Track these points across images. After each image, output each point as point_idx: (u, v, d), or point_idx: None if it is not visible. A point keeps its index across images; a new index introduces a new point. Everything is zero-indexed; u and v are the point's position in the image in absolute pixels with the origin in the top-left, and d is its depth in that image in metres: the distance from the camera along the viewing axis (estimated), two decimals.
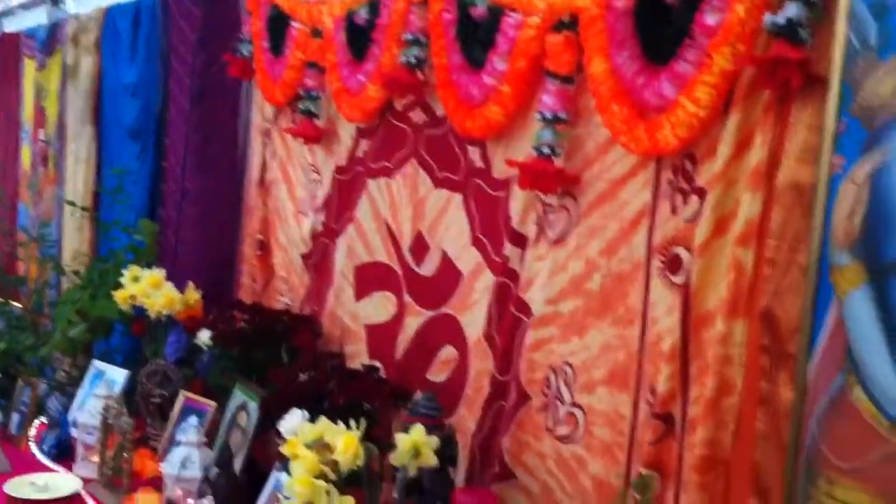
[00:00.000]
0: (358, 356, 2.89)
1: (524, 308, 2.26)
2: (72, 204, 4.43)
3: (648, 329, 1.94)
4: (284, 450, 1.87)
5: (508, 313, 2.31)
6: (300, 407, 2.26)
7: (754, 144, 1.67)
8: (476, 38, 2.28)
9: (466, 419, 2.43)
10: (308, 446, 1.83)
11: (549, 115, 2.08)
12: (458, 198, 2.50)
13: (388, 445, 2.12)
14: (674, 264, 1.87)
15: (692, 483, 1.76)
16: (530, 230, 2.25)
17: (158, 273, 3.35)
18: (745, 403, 1.71)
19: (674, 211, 1.88)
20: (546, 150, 2.09)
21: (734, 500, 1.73)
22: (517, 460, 2.27)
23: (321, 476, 1.79)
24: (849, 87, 1.50)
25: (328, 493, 1.76)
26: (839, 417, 1.52)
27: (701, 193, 1.80)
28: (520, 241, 2.28)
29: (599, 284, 2.05)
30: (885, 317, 1.44)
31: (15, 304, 4.60)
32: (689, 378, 1.81)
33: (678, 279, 1.85)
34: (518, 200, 2.28)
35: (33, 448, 3.15)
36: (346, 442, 1.82)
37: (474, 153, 2.43)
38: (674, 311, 1.84)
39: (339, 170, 3.01)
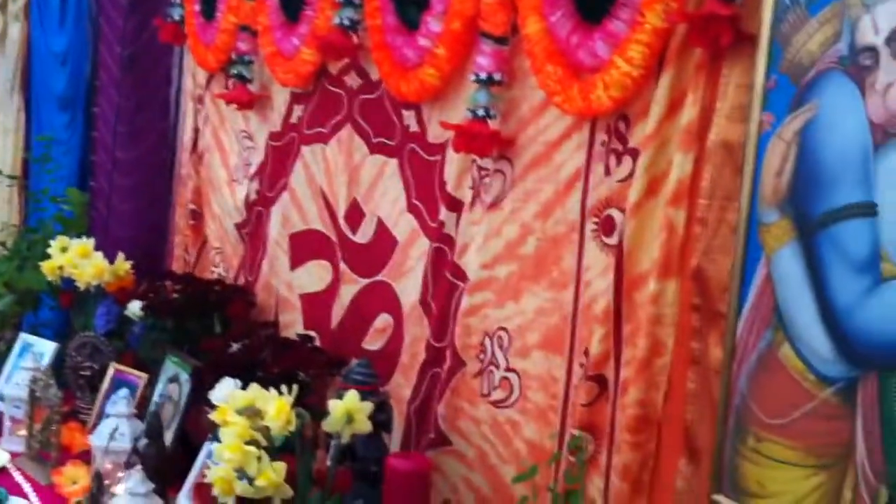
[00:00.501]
0: (293, 326, 2.85)
1: (459, 274, 2.24)
2: None
3: (582, 292, 1.93)
4: (214, 417, 1.83)
5: (444, 279, 2.29)
6: (233, 377, 2.22)
7: (686, 104, 1.67)
8: None
9: (402, 386, 2.41)
10: (239, 413, 1.79)
11: (484, 77, 2.06)
12: (393, 163, 2.47)
13: (322, 414, 2.09)
14: (607, 226, 1.87)
15: (625, 443, 1.76)
16: (466, 195, 2.23)
17: (87, 243, 3.26)
18: (676, 363, 1.72)
19: (607, 172, 1.87)
20: (481, 113, 2.07)
21: (666, 460, 1.74)
22: (452, 426, 2.26)
23: (252, 443, 1.76)
24: (778, 43, 1.50)
25: (259, 459, 1.72)
26: (767, 374, 1.53)
27: (634, 154, 1.80)
28: (455, 205, 2.26)
29: (534, 248, 2.04)
30: (812, 274, 1.45)
31: None
32: (622, 340, 1.81)
33: (611, 241, 1.85)
34: (453, 165, 2.25)
35: None
36: (277, 408, 1.78)
37: (409, 117, 2.40)
38: (607, 273, 1.84)
39: (273, 136, 2.95)
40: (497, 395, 2.14)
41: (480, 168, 2.17)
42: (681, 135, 1.67)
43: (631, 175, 1.80)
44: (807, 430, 1.46)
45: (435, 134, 2.32)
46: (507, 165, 2.10)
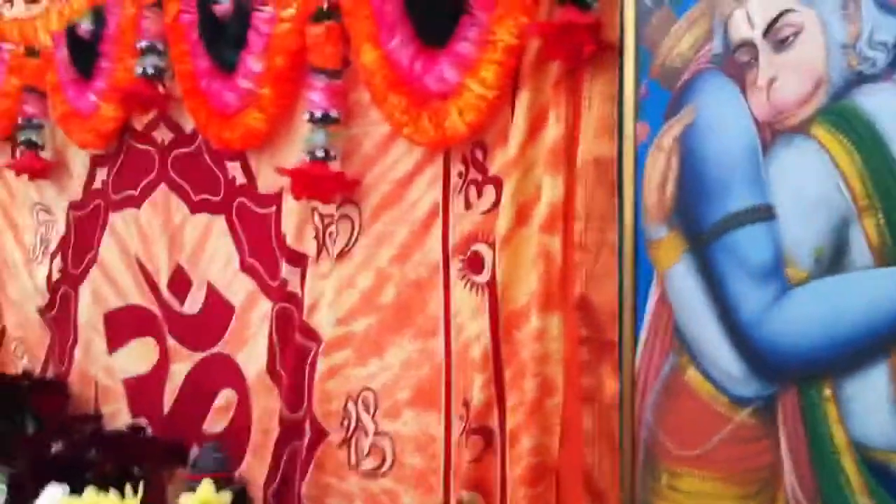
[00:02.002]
0: (119, 416, 2.54)
1: (311, 334, 2.04)
2: None
3: (454, 338, 1.77)
4: None
5: (293, 342, 2.07)
6: (58, 480, 1.95)
7: (548, 123, 1.56)
8: (224, 38, 2.05)
9: (256, 468, 2.16)
10: None
11: (318, 115, 1.89)
12: (220, 221, 2.24)
13: None
14: (475, 263, 1.72)
15: (521, 498, 1.60)
16: (309, 247, 2.03)
17: None
18: (568, 402, 1.58)
19: (468, 206, 1.74)
20: (319, 154, 1.89)
21: None
22: None
23: None
24: (645, 48, 1.42)
25: None
26: (675, 402, 1.42)
27: (496, 183, 1.67)
28: (298, 260, 2.06)
29: (394, 296, 1.87)
30: (710, 287, 1.35)
31: None
32: (505, 384, 1.66)
33: (481, 279, 1.71)
34: (291, 215, 2.06)
35: None
36: None
37: (235, 168, 2.20)
38: (480, 313, 1.70)
39: (75, 206, 2.66)
40: (368, 463, 1.93)
41: (323, 216, 1.99)
42: (546, 156, 1.56)
43: (496, 205, 1.67)
44: (726, 458, 1.35)
45: (266, 184, 2.12)
46: (354, 209, 1.93)
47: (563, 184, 1.55)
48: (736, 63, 1.30)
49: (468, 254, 1.73)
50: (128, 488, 1.75)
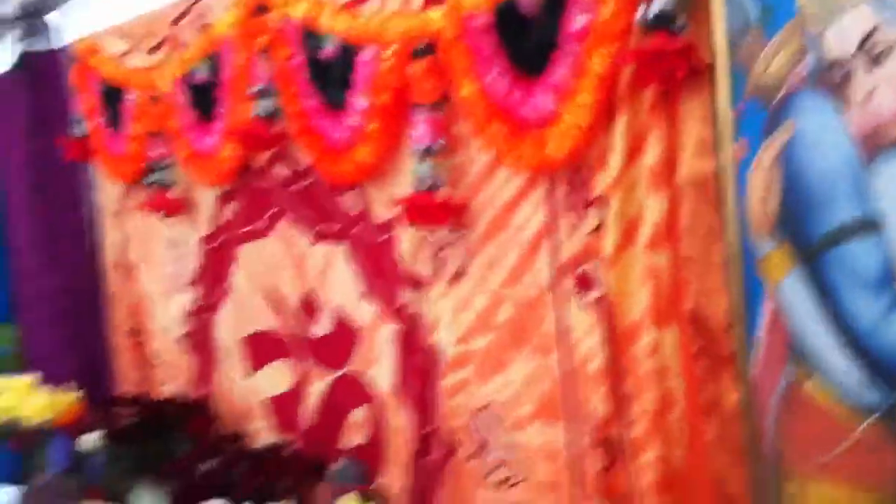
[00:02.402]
0: (263, 434, 2.68)
1: (433, 353, 2.12)
2: None
3: (572, 353, 1.82)
4: None
5: (418, 361, 2.16)
6: (211, 498, 2.10)
7: (647, 145, 1.59)
8: (331, 78, 2.13)
9: (392, 482, 2.26)
10: None
11: (423, 148, 1.95)
12: (341, 250, 2.34)
13: None
14: (585, 282, 1.76)
15: None
16: (425, 270, 2.11)
17: (27, 380, 3.04)
18: (690, 414, 1.61)
19: (574, 227, 1.77)
20: (427, 184, 1.96)
21: None
22: None
23: None
24: (739, 69, 1.43)
25: None
26: (794, 414, 1.44)
27: (600, 203, 1.70)
28: (416, 283, 2.13)
29: (509, 315, 1.93)
30: (823, 299, 1.36)
31: None
32: (625, 397, 1.70)
33: (593, 296, 1.75)
34: (407, 241, 2.13)
35: None
36: None
37: (351, 200, 2.28)
38: (594, 330, 1.74)
39: (206, 239, 2.80)
40: (499, 475, 2.01)
41: (437, 241, 2.06)
42: (647, 177, 1.59)
43: (600, 226, 1.70)
44: (853, 467, 1.36)
45: (380, 213, 2.20)
46: (465, 234, 1.99)
47: (665, 202, 1.57)
48: (831, 79, 1.30)
49: (578, 273, 1.77)
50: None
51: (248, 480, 2.33)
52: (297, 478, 2.34)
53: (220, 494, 2.27)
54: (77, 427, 2.90)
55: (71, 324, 3.50)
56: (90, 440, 2.79)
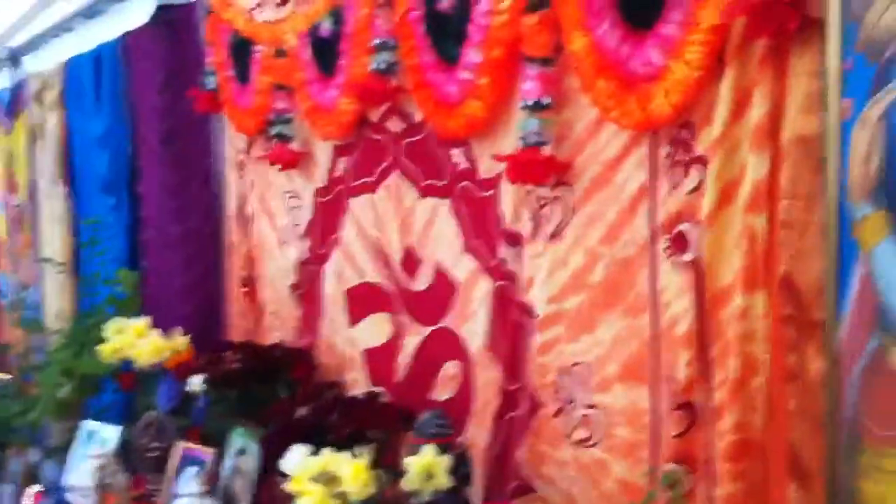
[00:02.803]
0: (359, 384, 2.76)
1: (527, 311, 2.14)
2: (47, 260, 4.31)
3: (661, 315, 1.81)
4: (289, 487, 1.74)
5: (511, 318, 2.19)
6: (302, 442, 2.14)
7: (753, 101, 1.56)
8: (447, 32, 2.18)
9: (478, 435, 2.30)
10: (314, 480, 1.70)
11: (531, 103, 1.97)
12: (445, 205, 2.39)
13: (399, 473, 1.99)
14: (680, 242, 1.75)
15: (726, 473, 1.62)
16: (525, 228, 2.13)
17: (143, 323, 3.22)
18: (773, 381, 1.58)
19: (675, 186, 1.76)
20: (533, 140, 1.98)
21: (773, 486, 1.59)
22: (536, 472, 2.14)
23: None
24: (850, 22, 1.39)
25: None
26: (878, 384, 1.39)
27: (702, 163, 1.69)
28: (515, 240, 2.16)
29: (603, 275, 1.93)
30: None
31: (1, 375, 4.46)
32: (711, 362, 1.69)
33: (686, 258, 1.74)
34: (509, 198, 2.16)
35: None
36: (353, 471, 1.69)
37: (458, 155, 2.32)
38: (685, 292, 1.73)
39: (320, 192, 2.90)
40: (580, 434, 2.02)
41: (538, 198, 2.08)
42: (751, 135, 1.57)
43: (701, 185, 1.69)
44: None
45: (486, 168, 2.24)
46: (567, 191, 2.01)
47: (768, 162, 1.55)
48: None
49: (674, 233, 1.76)
50: (360, 449, 1.89)
51: (339, 427, 2.39)
52: (388, 427, 2.39)
53: (313, 439, 2.34)
54: (185, 370, 3.05)
55: (190, 271, 3.67)
56: (196, 383, 2.93)
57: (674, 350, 1.76)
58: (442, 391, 2.45)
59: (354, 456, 1.81)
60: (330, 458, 1.76)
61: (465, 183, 2.31)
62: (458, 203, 2.35)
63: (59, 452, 3.24)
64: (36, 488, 3.12)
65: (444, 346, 2.44)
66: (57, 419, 3.41)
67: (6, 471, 3.20)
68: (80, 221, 4.43)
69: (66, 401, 3.40)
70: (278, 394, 2.81)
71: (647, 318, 1.85)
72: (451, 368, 2.42)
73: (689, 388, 1.71)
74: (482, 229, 2.27)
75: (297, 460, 2.00)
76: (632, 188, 1.85)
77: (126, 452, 2.94)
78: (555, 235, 2.04)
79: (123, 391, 3.38)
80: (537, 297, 2.10)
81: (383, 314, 2.67)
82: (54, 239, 4.77)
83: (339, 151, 2.79)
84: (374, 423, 2.38)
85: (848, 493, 1.45)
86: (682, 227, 1.74)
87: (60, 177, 4.70)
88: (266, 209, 3.21)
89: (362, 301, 2.76)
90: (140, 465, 2.94)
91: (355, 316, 2.80)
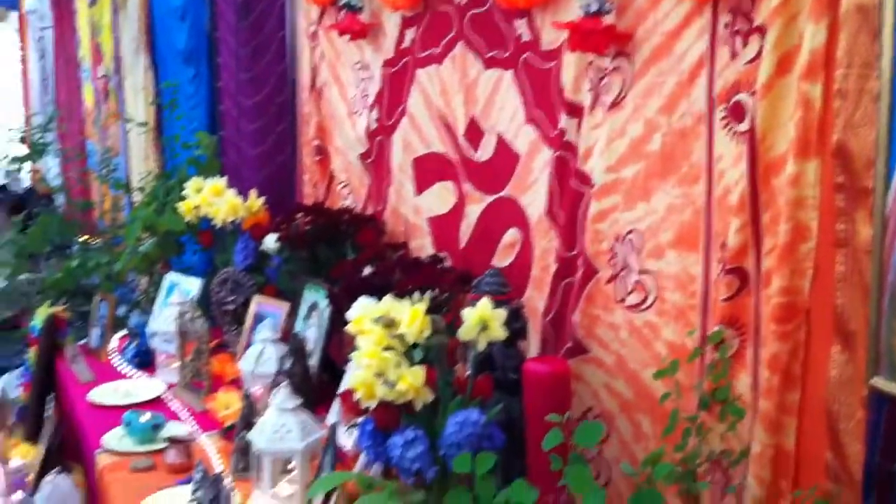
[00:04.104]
0: (423, 250, 2.87)
1: (585, 180, 2.20)
2: (132, 121, 4.47)
3: (715, 184, 1.86)
4: (351, 327, 1.86)
5: (569, 187, 2.25)
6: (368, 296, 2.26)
7: None
8: None
9: (535, 299, 2.40)
10: (375, 322, 1.82)
11: None
12: (508, 76, 2.43)
13: (457, 330, 2.10)
14: (737, 112, 1.79)
15: (771, 334, 1.70)
16: (585, 98, 2.17)
17: (220, 182, 3.36)
18: (821, 247, 1.64)
19: (733, 56, 1.79)
20: (594, 9, 2.00)
21: (816, 348, 1.67)
22: (589, 334, 2.23)
23: (390, 349, 1.79)
24: None
25: (398, 364, 1.75)
26: None
27: (761, 33, 1.70)
28: (575, 111, 2.21)
29: (660, 144, 1.98)
30: None
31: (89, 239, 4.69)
32: (762, 229, 1.75)
33: (742, 127, 1.77)
34: (570, 69, 2.20)
35: (115, 360, 3.24)
36: (411, 315, 1.80)
37: (521, 26, 2.35)
38: (740, 161, 1.77)
39: (388, 63, 2.96)
40: (632, 299, 2.10)
41: (598, 68, 2.11)
42: (810, 4, 1.58)
43: (759, 55, 1.71)
44: None
45: (549, 40, 2.27)
46: (626, 62, 2.03)
47: (825, 31, 1.56)
48: None
49: (731, 103, 1.80)
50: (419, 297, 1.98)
51: (402, 284, 2.50)
52: (449, 287, 2.49)
53: (378, 294, 2.45)
54: (260, 230, 3.21)
55: (264, 140, 3.79)
56: (270, 243, 3.08)
57: (726, 218, 1.82)
58: (502, 258, 2.54)
59: (413, 303, 1.91)
60: (391, 305, 1.87)
61: (527, 54, 2.35)
62: (520, 74, 2.39)
63: (142, 304, 3.46)
64: (121, 333, 3.35)
65: (505, 214, 2.52)
66: (140, 272, 3.61)
67: (93, 316, 3.43)
68: (161, 86, 4.57)
69: (148, 255, 3.60)
70: (346, 255, 2.94)
71: (701, 187, 1.90)
72: (511, 236, 2.51)
73: (740, 253, 1.78)
74: (543, 100, 2.32)
75: (362, 307, 2.11)
76: (691, 58, 1.88)
77: (205, 305, 3.14)
78: (614, 106, 2.08)
79: (203, 249, 3.56)
80: (595, 167, 2.16)
81: (448, 183, 2.75)
82: (137, 107, 4.93)
83: (407, 23, 2.83)
84: (436, 283, 2.48)
85: (890, 354, 1.52)
86: (739, 96, 1.77)
87: (143, 48, 4.82)
88: (336, 80, 3.28)
89: (428, 170, 2.84)
90: (218, 317, 3.13)
91: (421, 185, 2.89)
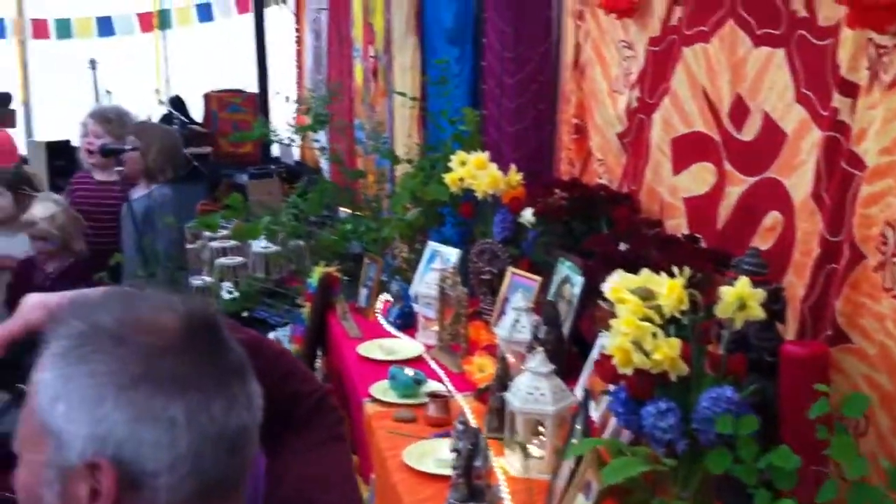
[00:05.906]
0: (677, 230, 2.87)
1: (856, 162, 2.12)
2: (402, 94, 4.73)
3: None
4: (610, 295, 1.92)
5: (838, 169, 2.18)
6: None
7: None
8: None
9: (795, 284, 2.34)
10: (632, 293, 1.87)
11: None
12: (780, 53, 2.38)
13: (713, 311, 2.10)
14: None
15: None
16: (862, 77, 2.09)
17: (483, 155, 3.52)
18: None
19: None
20: None
21: None
22: (851, 323, 2.16)
23: (647, 321, 1.83)
24: None
25: (654, 334, 1.80)
26: None
27: None
28: (850, 90, 2.13)
29: None
30: None
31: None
32: None
33: None
34: (847, 46, 2.12)
35: (380, 319, 3.50)
36: (669, 287, 1.84)
37: (797, 2, 2.30)
38: None
39: (653, 41, 2.97)
40: None
41: (878, 46, 2.03)
42: None
43: None
44: None
45: (826, 16, 2.20)
46: None
47: None
48: None
49: None
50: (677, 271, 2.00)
51: (658, 261, 2.51)
52: (703, 268, 2.47)
53: (632, 270, 2.49)
54: (517, 204, 3.33)
55: (524, 118, 3.90)
56: (527, 216, 3.19)
57: None
58: (762, 241, 2.50)
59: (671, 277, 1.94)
60: (648, 277, 1.91)
61: (801, 31, 2.29)
62: (792, 52, 2.33)
63: (404, 271, 3.69)
64: (385, 296, 3.60)
65: (768, 196, 2.47)
66: (405, 240, 3.85)
67: (362, 277, 3.70)
68: (430, 64, 4.79)
69: (413, 223, 3.83)
70: (600, 230, 3.00)
71: None
72: (772, 218, 2.46)
73: None
74: (816, 79, 2.25)
75: (617, 280, 2.16)
76: None
77: (463, 274, 3.31)
78: (893, 85, 2.00)
79: (463, 220, 3.74)
80: (868, 149, 2.08)
81: (707, 163, 2.73)
82: (405, 85, 5.21)
83: (675, 0, 2.83)
84: (692, 262, 2.47)
85: None
86: None
87: (413, 28, 5.08)
88: (600, 59, 3.32)
89: (688, 150, 2.83)
90: (474, 285, 3.30)
91: (679, 164, 2.88)
